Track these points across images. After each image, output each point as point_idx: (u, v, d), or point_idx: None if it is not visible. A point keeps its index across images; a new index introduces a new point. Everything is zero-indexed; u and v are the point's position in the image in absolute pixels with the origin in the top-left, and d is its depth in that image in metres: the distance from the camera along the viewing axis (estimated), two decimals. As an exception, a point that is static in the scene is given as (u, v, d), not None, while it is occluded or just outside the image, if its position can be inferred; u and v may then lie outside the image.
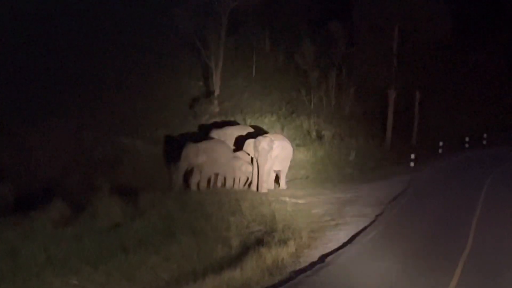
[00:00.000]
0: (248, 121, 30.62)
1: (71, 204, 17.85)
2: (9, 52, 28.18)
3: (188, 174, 22.94)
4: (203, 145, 23.06)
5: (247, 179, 23.99)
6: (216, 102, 32.22)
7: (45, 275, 13.01)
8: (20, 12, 30.13)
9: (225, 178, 23.65)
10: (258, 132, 25.51)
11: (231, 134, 25.28)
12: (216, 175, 23.56)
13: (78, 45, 30.14)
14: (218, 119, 30.38)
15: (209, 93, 33.18)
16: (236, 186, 23.59)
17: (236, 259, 14.29)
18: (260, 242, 15.53)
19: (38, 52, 28.68)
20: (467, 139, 36.39)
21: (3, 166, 22.10)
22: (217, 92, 32.61)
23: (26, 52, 28.56)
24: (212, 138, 24.55)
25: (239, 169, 23.64)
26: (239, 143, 24.67)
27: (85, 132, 25.91)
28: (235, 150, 24.24)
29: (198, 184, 22.90)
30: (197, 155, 22.56)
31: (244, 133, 25.48)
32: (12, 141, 23.65)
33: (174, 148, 23.55)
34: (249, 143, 23.68)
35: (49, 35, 29.86)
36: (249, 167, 23.73)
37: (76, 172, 22.69)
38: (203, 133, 26.01)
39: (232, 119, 30.76)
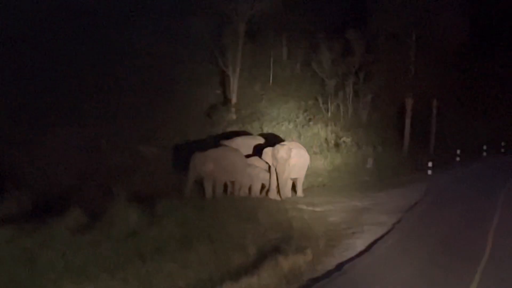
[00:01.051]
0: (265, 129, 30.60)
1: (88, 212, 17.87)
2: (25, 59, 28.30)
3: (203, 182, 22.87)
4: (210, 153, 22.77)
5: (263, 186, 23.97)
6: (233, 110, 32.16)
7: (63, 282, 13.02)
8: (37, 18, 30.25)
9: (240, 186, 23.56)
10: (271, 140, 25.47)
11: (239, 144, 25.10)
12: (233, 182, 23.48)
13: (96, 53, 30.23)
14: (235, 127, 30.38)
15: (226, 101, 33.18)
16: (252, 194, 23.55)
17: (253, 267, 14.23)
18: (277, 249, 15.45)
19: (55, 59, 28.77)
20: (485, 147, 36.29)
21: (20, 173, 22.17)
22: (234, 100, 32.58)
23: (43, 59, 28.66)
24: (223, 146, 24.41)
25: (256, 176, 23.59)
26: (252, 151, 24.67)
27: (102, 140, 26.00)
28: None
29: (213, 192, 22.75)
30: (204, 164, 22.33)
31: (254, 142, 25.42)
32: (30, 148, 23.73)
33: (189, 156, 23.53)
34: (267, 152, 23.64)
35: (66, 43, 29.97)
36: (266, 175, 23.70)
37: (93, 180, 22.73)
38: (215, 141, 25.94)
39: (249, 127, 30.78)
